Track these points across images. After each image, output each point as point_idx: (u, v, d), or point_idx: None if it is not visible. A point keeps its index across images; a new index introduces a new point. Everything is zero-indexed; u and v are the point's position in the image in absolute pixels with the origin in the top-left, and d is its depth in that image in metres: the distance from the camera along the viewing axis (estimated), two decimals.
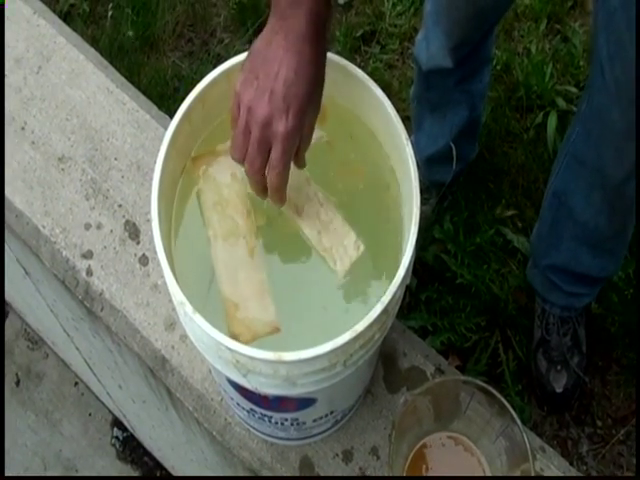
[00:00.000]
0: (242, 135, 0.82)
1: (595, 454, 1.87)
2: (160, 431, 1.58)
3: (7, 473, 1.87)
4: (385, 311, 0.80)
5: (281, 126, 0.80)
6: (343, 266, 0.89)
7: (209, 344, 0.82)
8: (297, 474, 1.07)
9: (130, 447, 2.01)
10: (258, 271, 0.90)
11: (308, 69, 0.81)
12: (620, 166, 1.43)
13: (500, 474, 0.98)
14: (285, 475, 1.07)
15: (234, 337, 0.86)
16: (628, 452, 1.87)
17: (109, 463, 2.00)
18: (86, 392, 2.05)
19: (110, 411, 2.02)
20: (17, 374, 2.08)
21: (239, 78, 0.83)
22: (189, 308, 0.80)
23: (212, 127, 0.95)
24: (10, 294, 2.02)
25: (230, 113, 0.85)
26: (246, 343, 0.84)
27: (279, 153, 0.81)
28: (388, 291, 0.80)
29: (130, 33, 2.36)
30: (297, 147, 0.83)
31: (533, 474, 0.91)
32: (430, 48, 1.64)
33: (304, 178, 0.92)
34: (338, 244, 0.90)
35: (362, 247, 0.90)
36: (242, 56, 0.90)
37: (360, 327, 0.79)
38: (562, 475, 1.07)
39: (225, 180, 0.93)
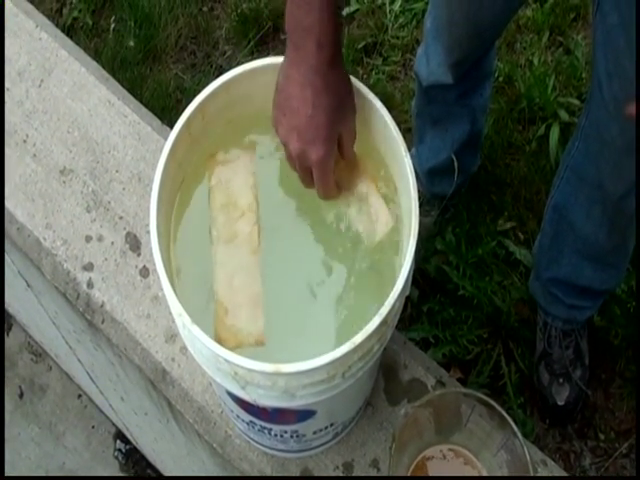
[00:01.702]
0: (290, 161, 0.91)
1: (598, 467, 1.86)
2: (162, 443, 1.57)
3: None
4: (384, 322, 0.80)
5: (313, 155, 0.88)
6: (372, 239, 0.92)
7: (208, 356, 0.82)
8: None
9: (133, 459, 2.01)
10: (255, 281, 0.90)
11: (323, 99, 0.87)
12: (619, 182, 1.43)
13: None
14: None
15: (219, 341, 0.86)
16: (631, 466, 1.86)
17: (112, 475, 2.00)
18: (89, 404, 2.05)
19: (113, 423, 2.02)
20: (21, 387, 2.08)
21: (272, 112, 0.90)
22: (187, 320, 0.80)
23: (212, 138, 0.95)
24: (14, 307, 2.03)
25: None
26: (230, 349, 0.84)
27: (318, 175, 0.90)
28: (387, 302, 0.80)
29: (132, 45, 2.36)
30: (341, 149, 0.91)
31: None
32: (430, 64, 1.65)
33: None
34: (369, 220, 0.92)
35: (391, 224, 0.92)
36: (242, 67, 0.91)
37: (359, 339, 0.79)
38: None
39: (236, 184, 0.94)
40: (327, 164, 0.89)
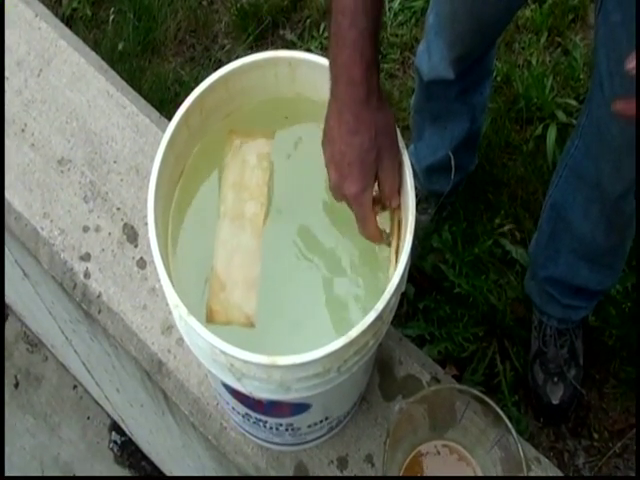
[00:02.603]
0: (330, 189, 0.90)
1: (591, 467, 1.87)
2: (157, 435, 1.57)
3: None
4: (379, 318, 0.81)
5: (346, 190, 0.87)
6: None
7: (204, 347, 0.82)
8: None
9: (128, 451, 2.01)
10: (254, 263, 0.90)
11: (356, 138, 0.85)
12: (618, 181, 1.43)
13: None
14: None
15: (210, 313, 0.87)
16: (624, 465, 1.86)
17: (107, 467, 2.00)
18: (85, 395, 2.05)
19: (108, 415, 2.02)
20: (16, 376, 2.08)
21: (322, 138, 0.89)
22: (184, 310, 0.80)
23: (210, 132, 0.95)
24: (10, 296, 2.02)
25: None
26: (219, 323, 0.84)
27: (355, 211, 0.88)
28: (382, 298, 0.80)
29: (131, 37, 2.36)
30: (381, 192, 0.88)
31: None
32: (432, 59, 1.65)
33: None
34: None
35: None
36: (240, 61, 0.91)
37: (354, 333, 0.79)
38: None
39: (251, 163, 0.94)
40: (360, 201, 0.87)
